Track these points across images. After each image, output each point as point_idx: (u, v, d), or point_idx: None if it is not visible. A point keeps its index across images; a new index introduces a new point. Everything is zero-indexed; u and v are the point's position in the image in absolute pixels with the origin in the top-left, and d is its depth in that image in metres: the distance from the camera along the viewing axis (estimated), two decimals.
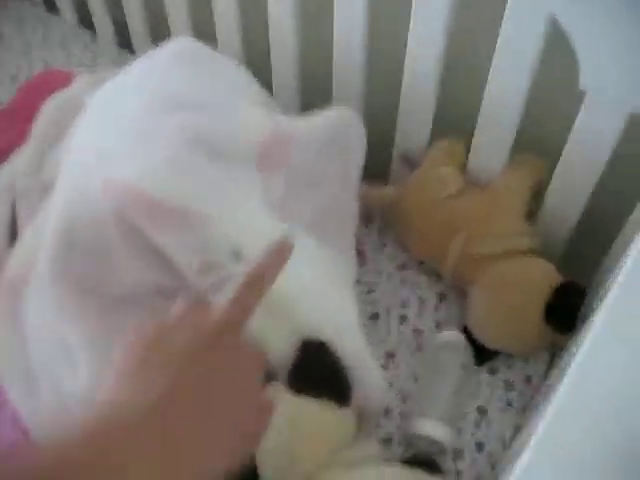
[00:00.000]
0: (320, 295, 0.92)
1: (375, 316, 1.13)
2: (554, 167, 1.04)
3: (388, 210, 1.20)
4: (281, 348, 0.88)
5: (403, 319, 1.12)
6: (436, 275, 1.15)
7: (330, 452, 0.89)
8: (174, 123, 0.89)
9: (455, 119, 1.14)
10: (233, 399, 0.59)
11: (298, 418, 0.88)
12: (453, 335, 1.07)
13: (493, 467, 1.00)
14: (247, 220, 0.89)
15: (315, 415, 0.89)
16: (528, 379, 1.07)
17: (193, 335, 0.59)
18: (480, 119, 1.06)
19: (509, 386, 1.07)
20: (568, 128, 0.97)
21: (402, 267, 1.18)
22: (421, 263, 1.17)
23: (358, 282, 1.15)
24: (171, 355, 0.57)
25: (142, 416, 0.53)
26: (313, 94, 1.25)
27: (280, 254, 0.67)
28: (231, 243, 0.86)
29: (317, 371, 0.90)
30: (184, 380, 0.56)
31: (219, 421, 0.57)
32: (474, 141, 1.10)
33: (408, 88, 1.12)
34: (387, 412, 1.04)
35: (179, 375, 0.56)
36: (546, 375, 1.08)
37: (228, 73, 1.05)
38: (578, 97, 0.92)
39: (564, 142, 0.99)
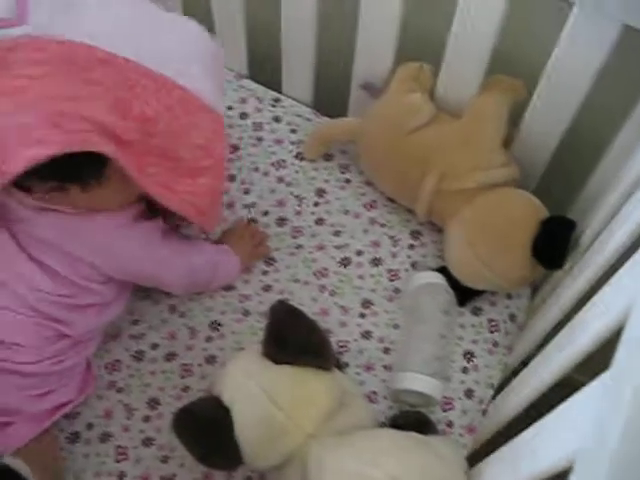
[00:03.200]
0: None
1: (346, 261, 1.04)
2: (533, 88, 0.95)
3: (351, 144, 1.10)
4: None
5: (376, 262, 1.04)
6: (408, 212, 1.07)
7: (316, 422, 0.80)
8: None
9: (420, 41, 1.04)
10: None
11: (278, 388, 0.80)
12: (431, 276, 0.99)
13: (484, 413, 0.94)
14: None
15: (297, 384, 0.80)
16: (512, 317, 1.01)
17: None
18: (451, 38, 0.96)
19: (494, 326, 1.00)
20: (549, 44, 0.88)
21: (370, 206, 1.09)
22: (390, 200, 1.09)
23: (322, 222, 1.07)
24: None
25: None
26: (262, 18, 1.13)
27: None
28: None
29: (292, 336, 0.81)
30: None
31: None
32: (444, 63, 1.00)
33: (367, 8, 1.01)
34: (369, 367, 0.97)
35: None
36: (527, 311, 1.03)
37: None
38: (562, 10, 0.84)
39: (544, 60, 0.90)
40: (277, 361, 0.81)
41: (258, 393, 0.79)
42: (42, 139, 0.72)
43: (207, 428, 0.80)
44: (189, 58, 0.87)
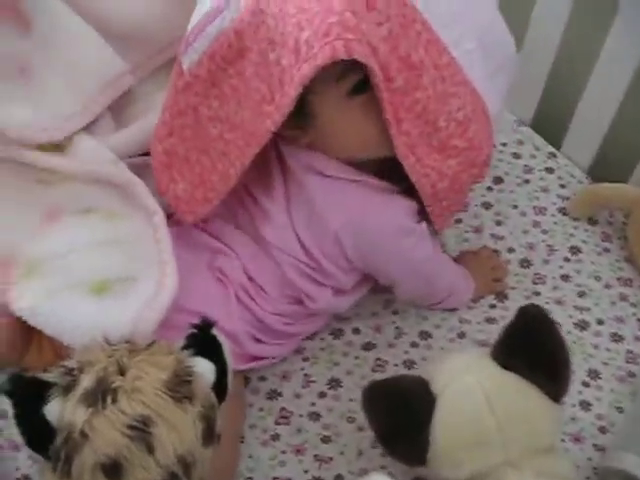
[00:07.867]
0: None
1: (584, 324, 0.93)
2: None
3: (619, 216, 1.02)
4: None
5: (616, 338, 0.93)
6: None
7: (523, 447, 0.69)
8: None
9: None
10: None
11: (498, 393, 0.70)
12: None
13: None
14: None
15: (520, 397, 0.70)
16: None
17: None
18: None
19: None
20: None
21: (625, 282, 0.98)
22: None
23: (567, 279, 0.98)
24: None
25: None
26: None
27: None
28: None
29: (535, 344, 0.71)
30: None
31: None
32: None
33: None
34: (578, 439, 0.84)
35: None
36: None
37: None
38: None
39: None
40: (506, 366, 0.71)
41: (475, 389, 0.70)
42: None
43: (405, 405, 0.71)
44: (471, 33, 0.78)
